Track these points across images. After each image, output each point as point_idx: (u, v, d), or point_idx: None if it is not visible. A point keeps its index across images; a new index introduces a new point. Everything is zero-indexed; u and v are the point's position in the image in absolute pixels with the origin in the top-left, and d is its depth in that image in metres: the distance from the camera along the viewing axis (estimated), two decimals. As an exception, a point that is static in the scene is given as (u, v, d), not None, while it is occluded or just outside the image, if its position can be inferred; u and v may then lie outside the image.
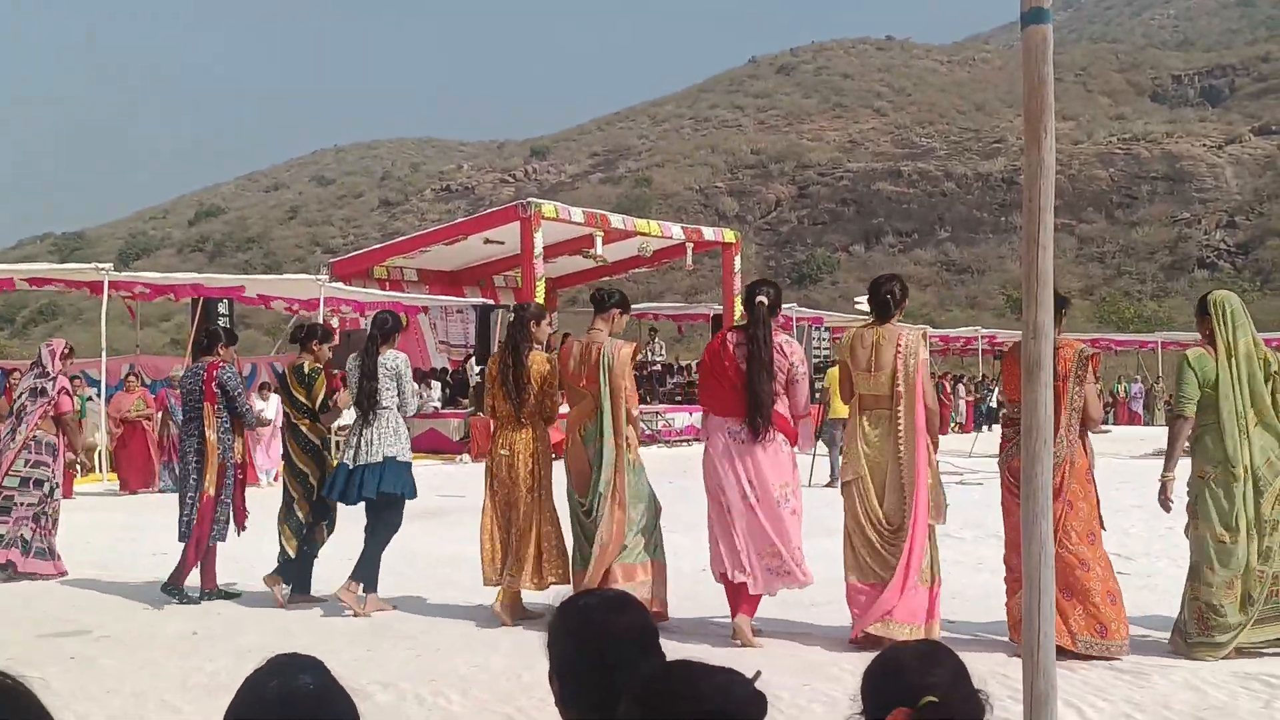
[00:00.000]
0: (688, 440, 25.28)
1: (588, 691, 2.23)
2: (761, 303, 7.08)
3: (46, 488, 9.68)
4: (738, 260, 30.69)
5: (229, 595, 8.61)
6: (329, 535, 8.59)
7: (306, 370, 8.55)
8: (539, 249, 25.03)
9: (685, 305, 40.95)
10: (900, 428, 6.79)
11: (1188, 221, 76.43)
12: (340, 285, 24.52)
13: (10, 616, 8.08)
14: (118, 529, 12.89)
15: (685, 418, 26.59)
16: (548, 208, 25.88)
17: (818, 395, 20.42)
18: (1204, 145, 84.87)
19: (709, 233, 31.59)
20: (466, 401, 24.48)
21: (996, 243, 78.51)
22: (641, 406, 10.49)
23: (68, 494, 12.57)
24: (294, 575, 8.48)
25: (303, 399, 8.52)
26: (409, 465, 8.30)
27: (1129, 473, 16.40)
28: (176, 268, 64.10)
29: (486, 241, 27.80)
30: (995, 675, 5.52)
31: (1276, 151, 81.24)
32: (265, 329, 55.71)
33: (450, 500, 14.40)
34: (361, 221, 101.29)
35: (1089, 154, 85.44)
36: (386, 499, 8.15)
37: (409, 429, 8.48)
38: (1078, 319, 56.16)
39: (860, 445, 6.90)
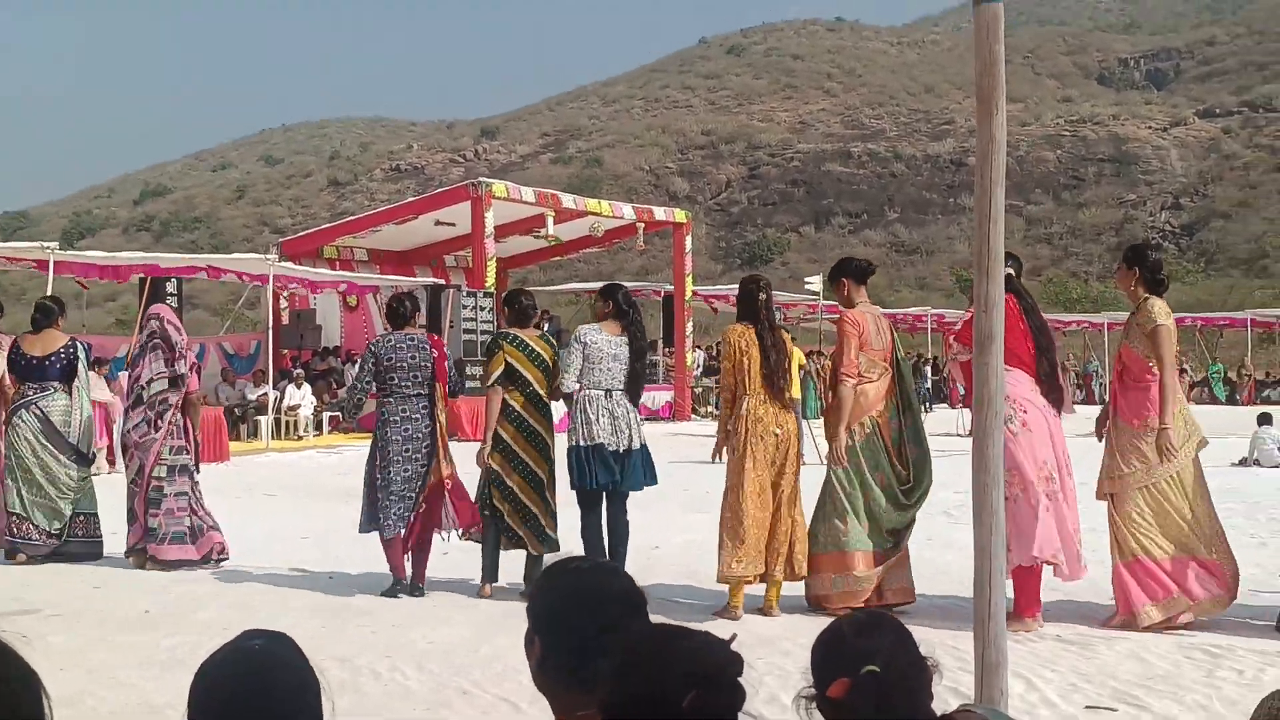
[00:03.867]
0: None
1: (572, 650, 2.25)
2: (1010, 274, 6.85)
3: (190, 473, 9.20)
4: (689, 240, 30.67)
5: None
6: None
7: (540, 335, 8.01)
8: (490, 229, 24.98)
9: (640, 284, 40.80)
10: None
11: (1134, 203, 77.29)
12: (289, 264, 24.35)
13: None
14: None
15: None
16: (499, 187, 25.83)
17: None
18: (1149, 128, 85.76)
19: (660, 213, 31.61)
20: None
21: (945, 224, 79.02)
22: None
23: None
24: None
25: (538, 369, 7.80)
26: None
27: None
28: (122, 247, 63.31)
29: (438, 223, 27.68)
30: (944, 646, 5.62)
31: (1220, 134, 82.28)
32: (214, 310, 55.15)
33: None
34: (310, 201, 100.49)
35: (1037, 136, 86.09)
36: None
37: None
38: (1025, 299, 56.58)
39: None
